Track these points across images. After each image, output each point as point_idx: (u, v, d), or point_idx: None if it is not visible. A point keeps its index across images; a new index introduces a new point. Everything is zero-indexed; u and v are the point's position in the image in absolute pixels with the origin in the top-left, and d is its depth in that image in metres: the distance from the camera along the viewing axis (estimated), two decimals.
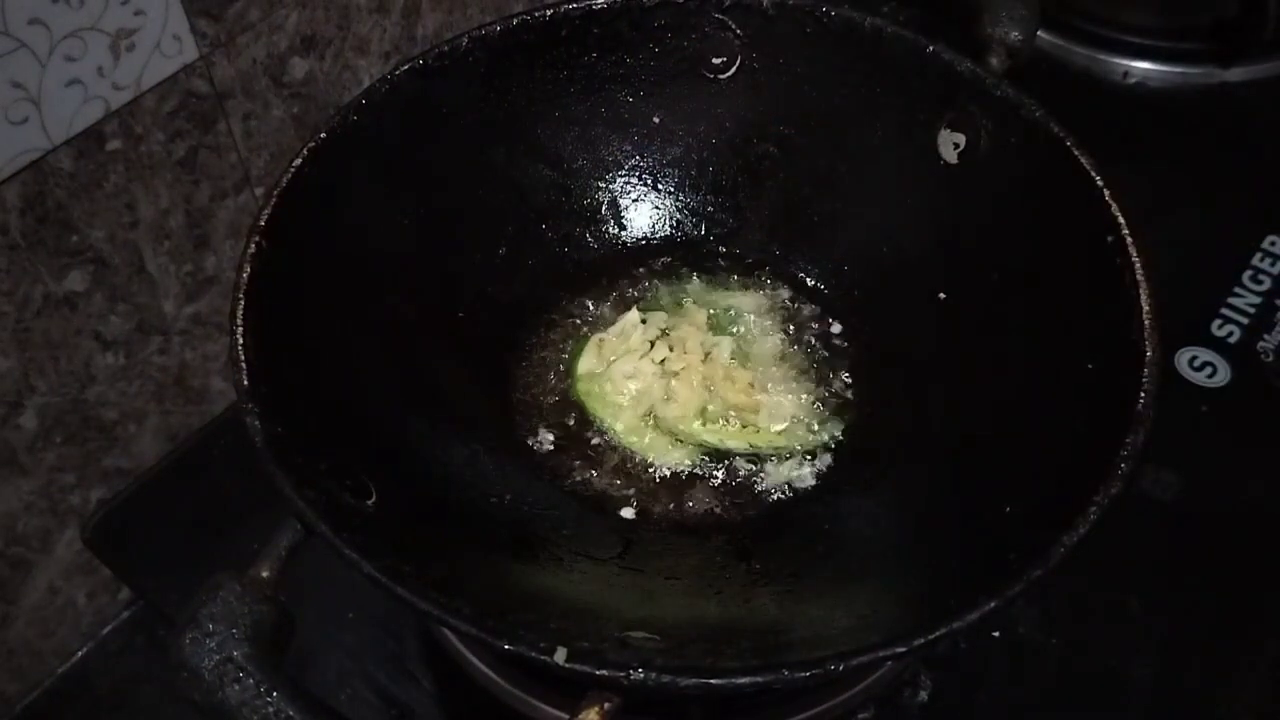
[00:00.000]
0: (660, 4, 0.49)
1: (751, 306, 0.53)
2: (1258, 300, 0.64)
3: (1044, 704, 0.51)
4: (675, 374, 0.49)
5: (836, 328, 0.52)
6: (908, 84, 0.48)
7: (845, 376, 0.50)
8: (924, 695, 0.51)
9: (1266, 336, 0.63)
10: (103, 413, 0.60)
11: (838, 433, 0.48)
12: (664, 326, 0.51)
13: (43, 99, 0.48)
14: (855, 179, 0.51)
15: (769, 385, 0.50)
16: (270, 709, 0.33)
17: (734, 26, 0.50)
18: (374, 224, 0.47)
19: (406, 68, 0.46)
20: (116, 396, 0.60)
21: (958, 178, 0.48)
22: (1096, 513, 0.34)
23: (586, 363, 0.51)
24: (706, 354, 0.50)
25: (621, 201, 0.54)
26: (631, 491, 0.47)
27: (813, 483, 0.47)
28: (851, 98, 0.50)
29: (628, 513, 0.46)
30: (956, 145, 0.48)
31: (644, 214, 0.55)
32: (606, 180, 0.54)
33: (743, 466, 0.48)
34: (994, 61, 0.48)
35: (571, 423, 0.49)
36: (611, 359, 0.50)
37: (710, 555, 0.44)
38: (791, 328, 0.52)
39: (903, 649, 0.32)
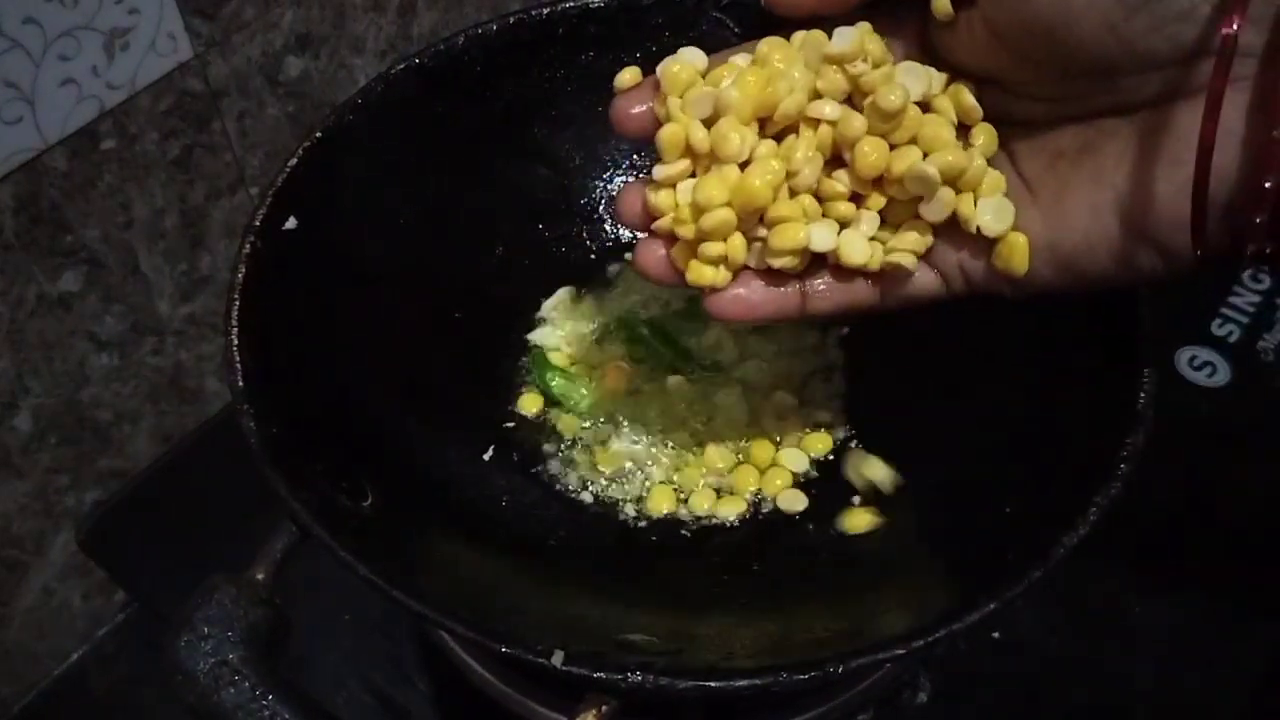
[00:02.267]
0: (658, 2, 0.49)
1: None
2: (1257, 299, 0.64)
3: (1043, 705, 0.51)
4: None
5: (833, 330, 0.51)
6: None
7: (845, 377, 0.50)
8: (924, 696, 0.51)
9: (1266, 336, 0.63)
10: (97, 414, 0.60)
11: (837, 434, 0.48)
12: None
13: (37, 98, 0.48)
14: None
15: (767, 388, 0.49)
16: (266, 712, 0.33)
17: (732, 25, 0.50)
18: (370, 224, 0.46)
19: (402, 66, 0.46)
20: (111, 397, 0.60)
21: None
22: (1096, 513, 0.34)
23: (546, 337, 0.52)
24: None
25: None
26: (630, 493, 0.47)
27: (811, 484, 0.47)
28: None
29: (626, 515, 0.46)
30: None
31: None
32: (604, 179, 0.54)
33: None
34: None
35: (569, 424, 0.49)
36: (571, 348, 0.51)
37: (709, 557, 0.44)
38: (789, 331, 0.52)
39: (902, 651, 0.32)
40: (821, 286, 0.36)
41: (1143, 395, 0.36)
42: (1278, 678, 0.51)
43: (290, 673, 0.35)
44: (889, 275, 0.35)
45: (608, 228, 0.54)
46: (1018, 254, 0.33)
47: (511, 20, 0.48)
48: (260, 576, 0.36)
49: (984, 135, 0.33)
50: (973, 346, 0.45)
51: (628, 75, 0.36)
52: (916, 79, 0.33)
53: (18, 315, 0.53)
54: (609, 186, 0.54)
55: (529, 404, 0.49)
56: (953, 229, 0.34)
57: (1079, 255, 0.32)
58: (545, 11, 0.48)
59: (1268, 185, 0.27)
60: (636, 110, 0.36)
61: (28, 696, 0.63)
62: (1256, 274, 0.65)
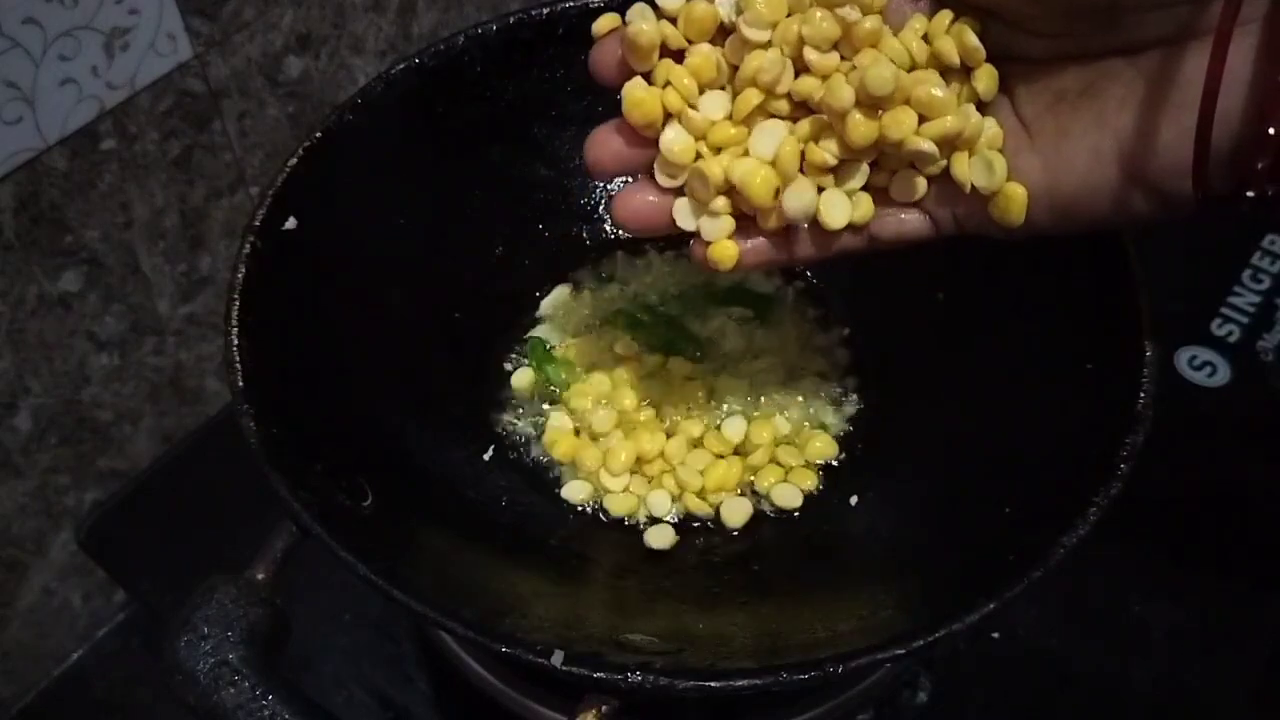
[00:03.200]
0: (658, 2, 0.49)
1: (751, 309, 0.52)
2: (1258, 299, 0.64)
3: (1043, 705, 0.51)
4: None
5: (836, 329, 0.51)
6: None
7: (844, 378, 0.50)
8: (923, 696, 0.51)
9: (1266, 336, 0.63)
10: (97, 414, 0.60)
11: (838, 434, 0.48)
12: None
13: (37, 98, 0.48)
14: None
15: (769, 389, 0.49)
16: (265, 712, 0.33)
17: None
18: (370, 224, 0.46)
19: (402, 66, 0.46)
20: (111, 397, 0.60)
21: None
22: (1096, 513, 0.34)
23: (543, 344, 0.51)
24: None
25: None
26: (630, 492, 0.47)
27: (812, 485, 0.46)
28: None
29: (626, 515, 0.46)
30: None
31: None
32: (604, 179, 0.54)
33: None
34: None
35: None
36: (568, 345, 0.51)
37: (709, 557, 0.44)
38: (791, 329, 0.52)
39: (901, 651, 0.32)
40: (806, 236, 0.35)
41: (1142, 395, 0.36)
42: (1277, 678, 0.51)
43: (290, 673, 0.35)
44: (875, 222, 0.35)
45: (607, 228, 0.54)
46: (1015, 205, 0.32)
47: (511, 20, 0.48)
48: (260, 576, 0.36)
49: (985, 78, 0.33)
50: (974, 346, 0.46)
51: (606, 21, 0.35)
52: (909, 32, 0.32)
53: (18, 315, 0.53)
54: (609, 186, 0.54)
55: (521, 380, 0.49)
56: (947, 176, 0.34)
57: (1076, 199, 0.32)
58: (545, 11, 0.48)
59: (1272, 132, 0.27)
60: (615, 58, 0.35)
61: (28, 696, 0.63)
62: (1257, 274, 0.65)
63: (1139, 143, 0.30)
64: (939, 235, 0.35)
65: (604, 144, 0.36)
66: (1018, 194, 0.32)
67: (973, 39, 0.32)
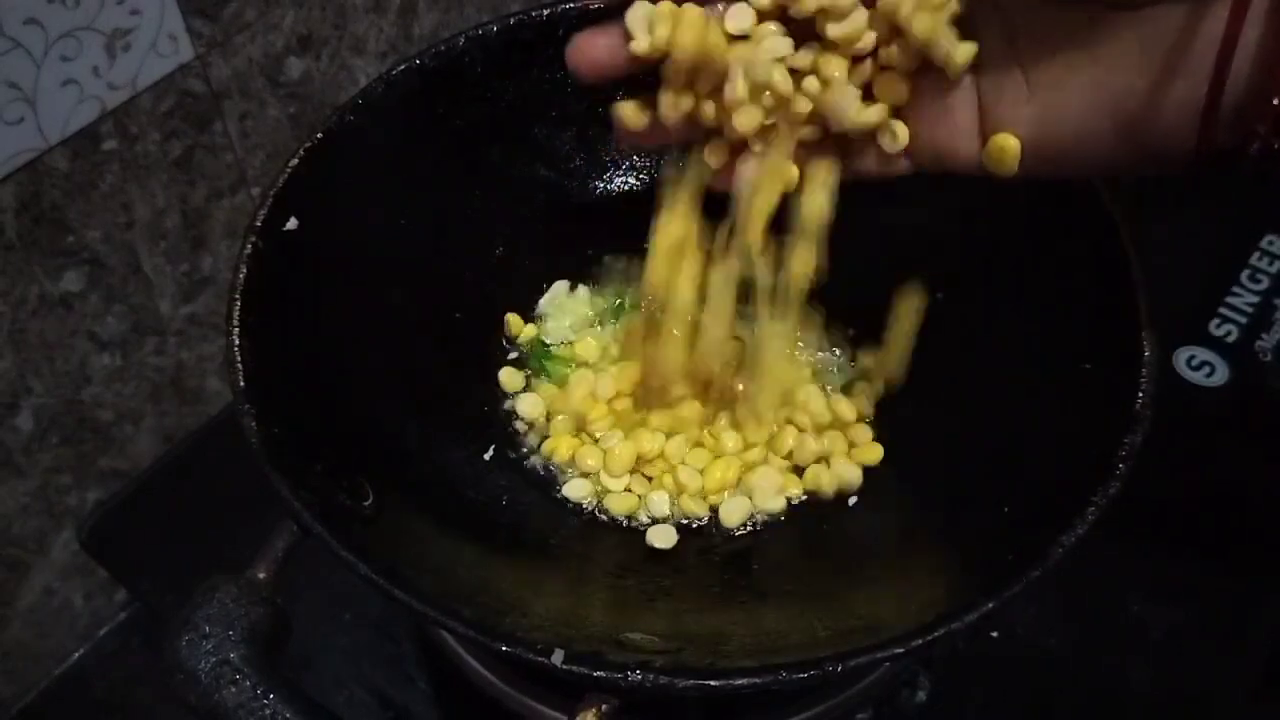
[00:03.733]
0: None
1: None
2: (1256, 300, 0.64)
3: (1042, 705, 0.51)
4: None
5: (836, 329, 0.51)
6: None
7: (843, 378, 0.50)
8: (922, 696, 0.51)
9: (1264, 336, 0.63)
10: (99, 414, 0.60)
11: (835, 434, 0.48)
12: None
13: (38, 99, 0.48)
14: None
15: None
16: (266, 711, 0.33)
17: None
18: (371, 224, 0.47)
19: (403, 67, 0.46)
20: (113, 397, 0.60)
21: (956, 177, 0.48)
22: (1095, 513, 0.34)
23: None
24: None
25: (620, 201, 0.54)
26: (629, 493, 0.47)
27: (811, 485, 0.47)
28: None
29: (626, 515, 0.46)
30: None
31: (643, 214, 0.54)
32: (604, 180, 0.54)
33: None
34: None
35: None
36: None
37: (708, 556, 0.44)
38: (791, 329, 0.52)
39: (900, 650, 0.32)
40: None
41: (1141, 395, 0.36)
42: (1276, 678, 0.51)
43: (291, 672, 0.35)
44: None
45: (608, 228, 0.54)
46: (1009, 156, 0.33)
47: (512, 21, 0.48)
48: (261, 576, 0.36)
49: (962, 54, 0.33)
50: (973, 347, 0.46)
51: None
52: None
53: (19, 315, 0.53)
54: (609, 186, 0.54)
55: (510, 381, 0.49)
56: (936, 123, 0.35)
57: (1066, 151, 0.32)
58: (545, 12, 0.48)
59: (1276, 102, 0.27)
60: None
61: (28, 696, 0.63)
62: (1255, 274, 0.66)
63: (1135, 101, 0.30)
64: (913, 171, 0.37)
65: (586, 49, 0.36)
66: (1011, 145, 0.33)
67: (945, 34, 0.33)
